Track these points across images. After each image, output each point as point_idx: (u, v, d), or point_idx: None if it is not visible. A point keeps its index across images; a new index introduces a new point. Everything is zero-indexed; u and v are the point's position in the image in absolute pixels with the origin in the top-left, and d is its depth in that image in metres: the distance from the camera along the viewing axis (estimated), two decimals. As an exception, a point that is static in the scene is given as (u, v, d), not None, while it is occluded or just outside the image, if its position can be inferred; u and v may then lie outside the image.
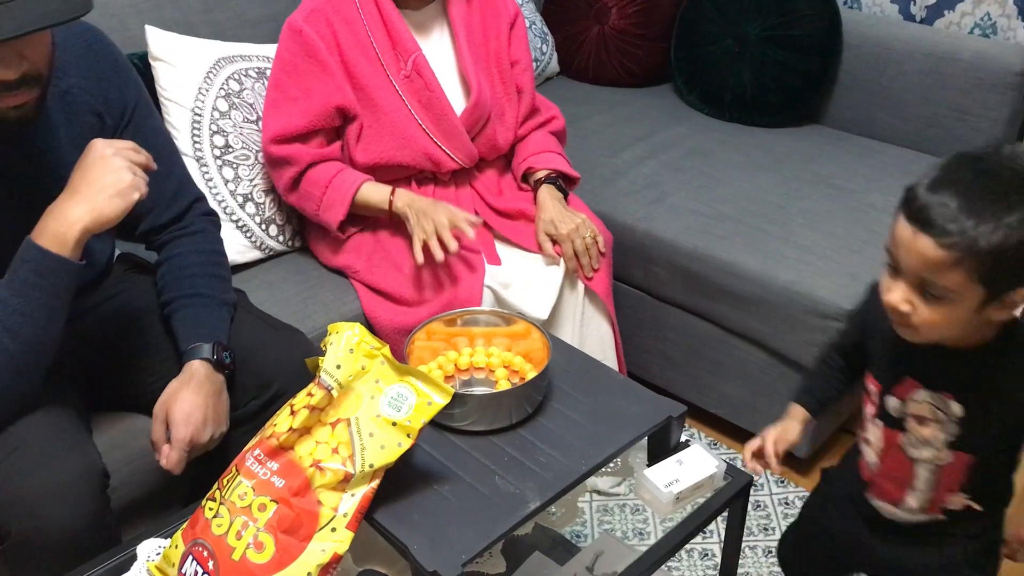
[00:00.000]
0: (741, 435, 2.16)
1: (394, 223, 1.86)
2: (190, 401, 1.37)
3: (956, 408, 1.15)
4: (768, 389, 2.02)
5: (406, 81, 1.84)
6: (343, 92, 1.81)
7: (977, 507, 1.22)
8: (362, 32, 1.82)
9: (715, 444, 2.17)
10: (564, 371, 1.41)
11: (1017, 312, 1.07)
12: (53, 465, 1.24)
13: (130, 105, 1.46)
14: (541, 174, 1.96)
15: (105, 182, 1.22)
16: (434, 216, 1.74)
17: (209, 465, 1.40)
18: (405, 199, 1.81)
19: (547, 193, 1.92)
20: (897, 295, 1.07)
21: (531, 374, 1.36)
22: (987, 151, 1.05)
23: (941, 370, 1.16)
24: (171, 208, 1.53)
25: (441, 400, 1.15)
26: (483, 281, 1.78)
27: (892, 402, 1.21)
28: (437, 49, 1.92)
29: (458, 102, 1.91)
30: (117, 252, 1.69)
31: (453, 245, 1.72)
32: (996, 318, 1.07)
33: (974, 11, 2.31)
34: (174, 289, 1.49)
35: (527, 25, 2.62)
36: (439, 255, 1.71)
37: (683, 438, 1.40)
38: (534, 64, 2.61)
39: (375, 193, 1.83)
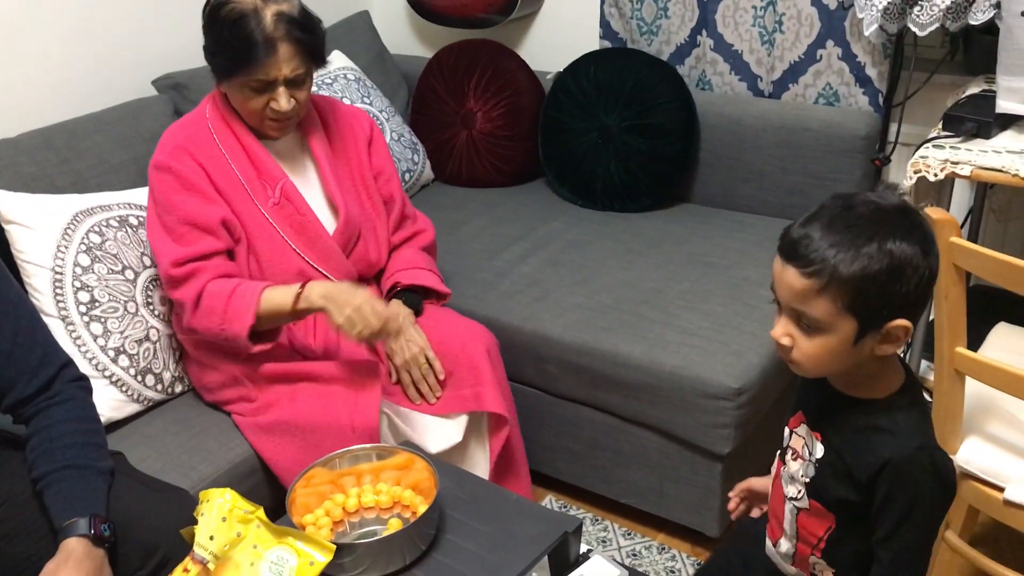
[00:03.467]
0: (653, 521, 2.15)
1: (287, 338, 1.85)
2: None
3: (818, 449, 1.18)
4: (672, 473, 2.03)
5: (275, 208, 1.84)
6: (226, 210, 1.80)
7: None
8: (225, 165, 1.82)
9: (629, 534, 2.16)
10: (456, 498, 1.39)
11: (898, 346, 1.10)
12: None
13: None
14: (399, 287, 1.97)
15: None
16: (363, 315, 1.66)
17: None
18: (319, 291, 1.71)
19: (393, 303, 1.92)
20: (778, 330, 1.12)
21: (421, 507, 1.34)
22: (859, 192, 1.12)
23: (821, 409, 1.20)
24: (37, 377, 1.47)
25: (323, 559, 1.12)
26: (378, 406, 1.75)
27: (785, 432, 1.25)
28: (301, 174, 1.93)
29: (328, 223, 1.91)
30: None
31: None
32: (881, 352, 1.10)
33: (815, 82, 2.43)
34: (46, 463, 1.42)
35: (395, 137, 2.65)
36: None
37: (584, 548, 1.39)
38: (407, 174, 2.66)
39: (279, 292, 1.74)
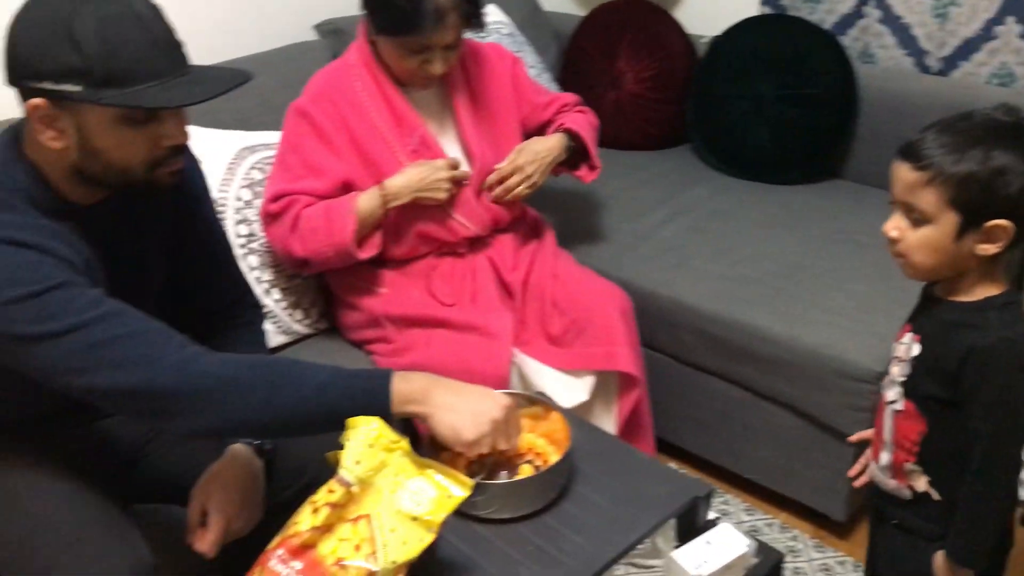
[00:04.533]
0: (776, 500, 2.12)
1: (414, 281, 1.91)
2: (228, 486, 1.36)
3: (915, 348, 1.26)
4: (802, 453, 1.99)
5: (413, 155, 1.88)
6: (351, 168, 1.85)
7: (936, 495, 1.27)
8: (366, 114, 1.86)
9: (751, 510, 2.13)
10: (587, 452, 1.40)
11: (998, 246, 1.17)
12: (111, 560, 1.25)
13: (199, 196, 1.52)
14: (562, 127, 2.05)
15: None
16: (430, 180, 1.83)
17: (244, 552, 1.39)
18: (394, 186, 1.82)
19: (553, 136, 2.02)
20: (889, 224, 1.23)
21: (554, 457, 1.35)
22: (985, 108, 1.21)
23: (923, 313, 1.29)
24: (227, 294, 1.57)
25: (461, 493, 1.15)
26: (510, 357, 1.77)
27: (891, 345, 1.33)
28: (440, 123, 1.96)
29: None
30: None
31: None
32: (981, 252, 1.17)
33: (990, 61, 2.30)
34: None
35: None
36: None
37: (711, 515, 1.38)
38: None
39: (367, 197, 1.82)
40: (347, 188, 1.85)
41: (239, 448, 1.41)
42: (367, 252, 1.84)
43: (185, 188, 1.43)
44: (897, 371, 1.29)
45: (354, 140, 1.86)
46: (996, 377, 1.17)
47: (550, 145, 1.99)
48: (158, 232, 1.43)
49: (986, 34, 2.29)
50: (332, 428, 1.21)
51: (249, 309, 1.60)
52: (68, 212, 1.26)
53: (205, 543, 1.34)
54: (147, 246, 1.42)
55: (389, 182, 1.83)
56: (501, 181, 1.94)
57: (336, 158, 1.84)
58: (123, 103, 1.16)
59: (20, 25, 1.16)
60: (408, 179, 1.83)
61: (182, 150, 1.29)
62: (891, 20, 2.43)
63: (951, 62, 2.36)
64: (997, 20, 2.26)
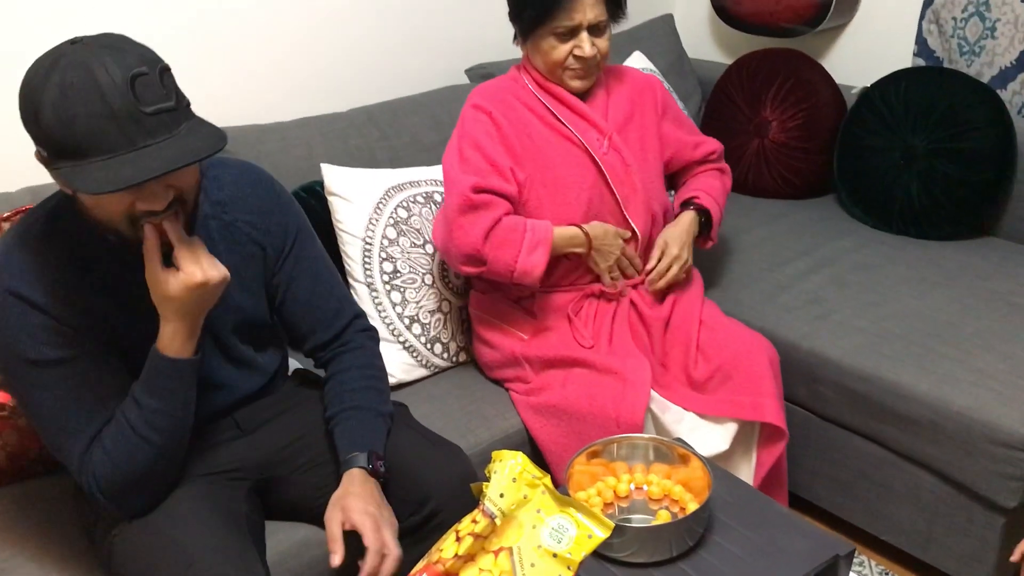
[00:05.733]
0: (915, 565, 2.04)
1: (560, 327, 1.95)
2: (362, 496, 1.41)
3: None
4: (945, 519, 1.92)
5: (604, 157, 1.93)
6: (524, 169, 1.90)
7: None
8: (547, 115, 1.93)
9: (886, 573, 2.06)
10: (725, 502, 1.40)
11: None
12: None
13: (291, 236, 1.58)
14: (694, 202, 2.07)
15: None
16: (613, 244, 1.93)
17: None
18: (596, 233, 1.91)
19: (686, 216, 2.04)
20: None
21: (691, 504, 1.35)
22: None
23: None
24: (332, 327, 1.63)
25: (602, 534, 1.17)
26: (646, 403, 1.78)
27: None
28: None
29: None
30: (295, 366, 1.81)
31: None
32: None
33: None
34: (336, 404, 1.57)
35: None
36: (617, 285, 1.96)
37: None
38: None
39: (567, 231, 1.90)
40: (521, 188, 1.90)
41: (355, 472, 1.46)
42: (535, 285, 1.91)
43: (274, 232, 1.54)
44: None
45: (532, 141, 1.91)
46: None
47: (687, 227, 2.03)
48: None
49: None
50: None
51: (359, 334, 1.66)
52: (109, 249, 1.34)
53: (386, 567, 1.37)
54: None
55: (591, 228, 1.90)
56: (661, 274, 1.99)
57: (513, 158, 1.89)
58: (68, 179, 1.17)
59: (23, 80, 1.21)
60: (605, 231, 1.92)
61: (167, 209, 1.26)
62: (1055, 74, 2.35)
63: (1121, 119, 2.27)
64: None
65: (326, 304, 1.62)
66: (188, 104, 1.25)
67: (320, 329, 1.62)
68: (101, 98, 1.14)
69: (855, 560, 2.09)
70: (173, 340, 1.33)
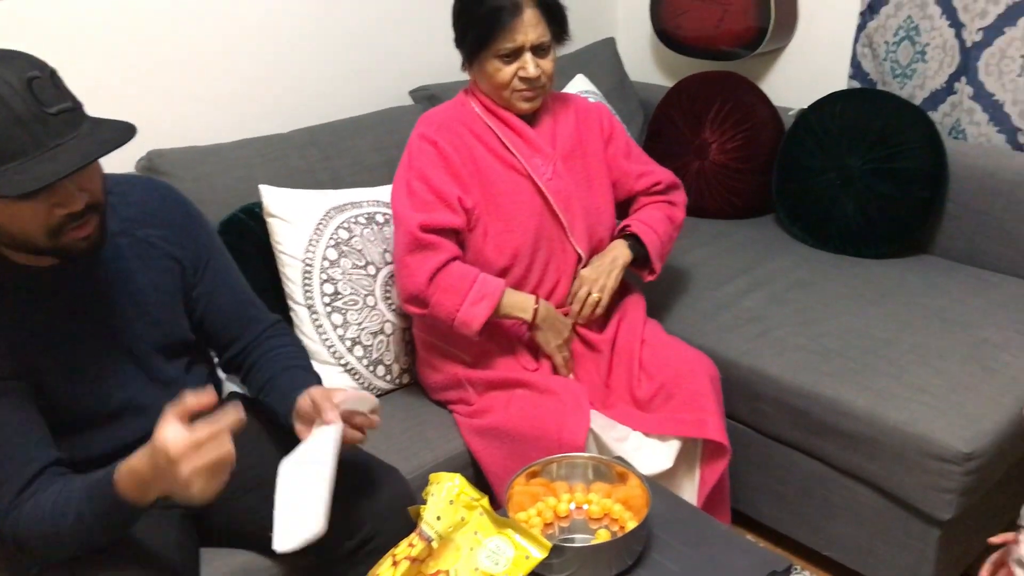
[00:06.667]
0: (856, 579, 2.07)
1: (505, 352, 1.93)
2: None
3: None
4: (884, 533, 1.94)
5: (549, 182, 1.94)
6: (472, 197, 1.89)
7: None
8: (494, 141, 1.93)
9: (829, 588, 2.08)
10: (665, 520, 1.40)
11: None
12: None
13: (204, 251, 1.57)
14: (627, 231, 2.07)
15: (192, 491, 1.19)
16: (562, 329, 1.93)
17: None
18: (545, 309, 1.91)
19: (613, 244, 2.04)
20: None
21: (630, 523, 1.36)
22: None
23: None
24: (253, 331, 1.63)
25: (539, 554, 1.16)
26: (588, 424, 1.78)
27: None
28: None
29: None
30: (231, 388, 1.77)
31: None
32: None
33: (1087, 140, 2.27)
34: (265, 373, 1.55)
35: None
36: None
37: (790, 591, 1.36)
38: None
39: (519, 296, 1.91)
40: (468, 216, 1.89)
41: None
42: (476, 337, 1.89)
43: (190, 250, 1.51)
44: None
45: (479, 169, 1.91)
46: None
47: (614, 255, 2.03)
48: (138, 292, 1.45)
49: (1083, 113, 2.26)
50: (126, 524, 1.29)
51: (275, 326, 1.65)
52: (17, 277, 1.31)
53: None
54: (121, 307, 1.44)
55: (542, 306, 1.91)
56: (575, 316, 2.00)
57: (460, 186, 1.88)
58: None
59: None
60: (553, 316, 1.93)
61: (84, 214, 1.26)
62: (983, 97, 2.42)
63: (1046, 140, 2.34)
64: (1095, 99, 2.23)
65: (246, 313, 1.62)
66: (82, 104, 1.24)
67: (243, 336, 1.61)
68: (4, 105, 1.14)
69: (798, 575, 2.11)
70: (140, 491, 1.25)
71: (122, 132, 1.22)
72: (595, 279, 1.99)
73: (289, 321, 2.00)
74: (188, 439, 1.15)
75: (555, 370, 1.95)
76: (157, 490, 1.22)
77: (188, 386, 1.55)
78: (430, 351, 2.01)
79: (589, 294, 1.97)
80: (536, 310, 1.90)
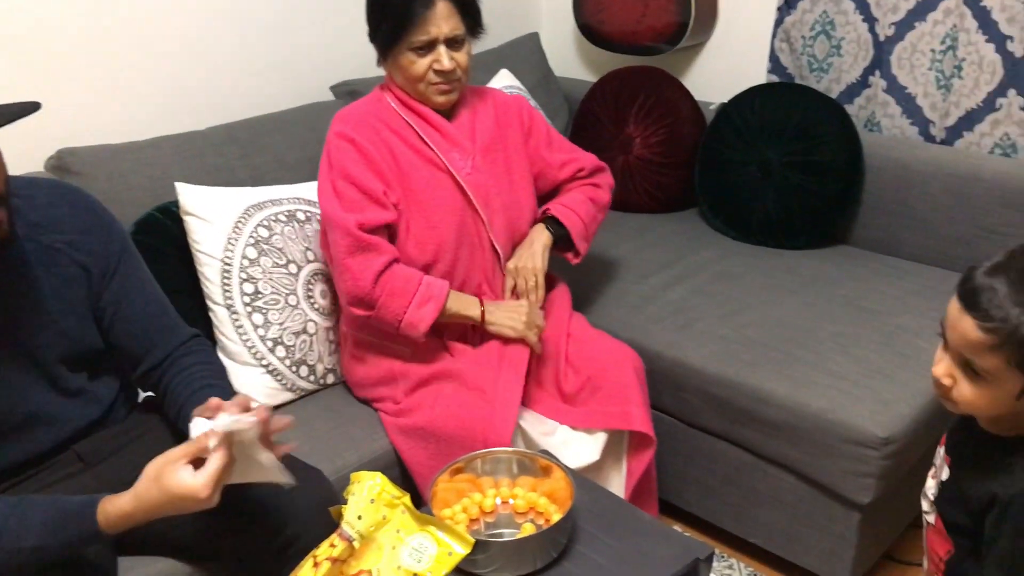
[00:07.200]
0: (780, 565, 2.10)
1: (430, 349, 1.92)
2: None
3: (945, 472, 1.22)
4: (806, 518, 1.98)
5: (468, 177, 1.92)
6: (395, 193, 1.87)
7: None
8: (412, 136, 1.91)
9: (755, 574, 2.11)
10: (591, 512, 1.41)
11: None
12: None
13: (114, 257, 1.51)
14: (547, 214, 2.08)
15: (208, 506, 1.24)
16: (526, 318, 1.91)
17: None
18: (494, 316, 1.90)
19: (533, 230, 2.05)
20: (941, 368, 1.13)
21: (555, 516, 1.36)
22: None
23: (958, 436, 1.24)
24: (167, 345, 1.56)
25: (462, 550, 1.15)
26: (515, 422, 1.78)
27: (938, 449, 1.28)
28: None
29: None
30: (146, 394, 1.72)
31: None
32: None
33: (992, 132, 2.34)
34: (183, 394, 1.49)
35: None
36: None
37: (714, 578, 1.38)
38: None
39: (463, 298, 1.90)
40: (395, 211, 1.87)
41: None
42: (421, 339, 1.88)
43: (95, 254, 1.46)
44: (930, 486, 1.24)
45: (397, 165, 1.88)
46: (1011, 531, 1.10)
47: (532, 238, 2.04)
48: (43, 300, 1.42)
49: (989, 105, 2.33)
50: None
51: (193, 340, 1.59)
52: None
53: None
54: (26, 316, 1.40)
55: (489, 311, 1.90)
56: (518, 294, 2.01)
57: (383, 182, 1.86)
58: None
59: None
60: (500, 315, 1.91)
61: None
62: (896, 90, 2.48)
63: (955, 132, 2.40)
64: (999, 92, 2.30)
65: (159, 323, 1.56)
66: None
67: (155, 349, 1.54)
68: None
69: (725, 563, 2.14)
70: (128, 525, 1.26)
71: (24, 105, 1.19)
72: (523, 266, 1.99)
73: (209, 324, 1.96)
74: (209, 478, 1.20)
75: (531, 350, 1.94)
76: (154, 518, 1.26)
77: (97, 396, 1.51)
78: (361, 347, 1.98)
79: (527, 282, 1.98)
80: (483, 312, 1.89)
